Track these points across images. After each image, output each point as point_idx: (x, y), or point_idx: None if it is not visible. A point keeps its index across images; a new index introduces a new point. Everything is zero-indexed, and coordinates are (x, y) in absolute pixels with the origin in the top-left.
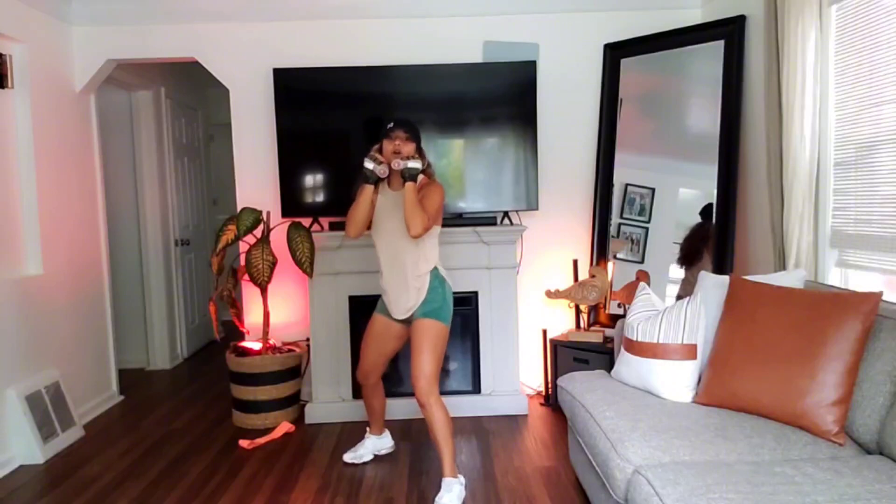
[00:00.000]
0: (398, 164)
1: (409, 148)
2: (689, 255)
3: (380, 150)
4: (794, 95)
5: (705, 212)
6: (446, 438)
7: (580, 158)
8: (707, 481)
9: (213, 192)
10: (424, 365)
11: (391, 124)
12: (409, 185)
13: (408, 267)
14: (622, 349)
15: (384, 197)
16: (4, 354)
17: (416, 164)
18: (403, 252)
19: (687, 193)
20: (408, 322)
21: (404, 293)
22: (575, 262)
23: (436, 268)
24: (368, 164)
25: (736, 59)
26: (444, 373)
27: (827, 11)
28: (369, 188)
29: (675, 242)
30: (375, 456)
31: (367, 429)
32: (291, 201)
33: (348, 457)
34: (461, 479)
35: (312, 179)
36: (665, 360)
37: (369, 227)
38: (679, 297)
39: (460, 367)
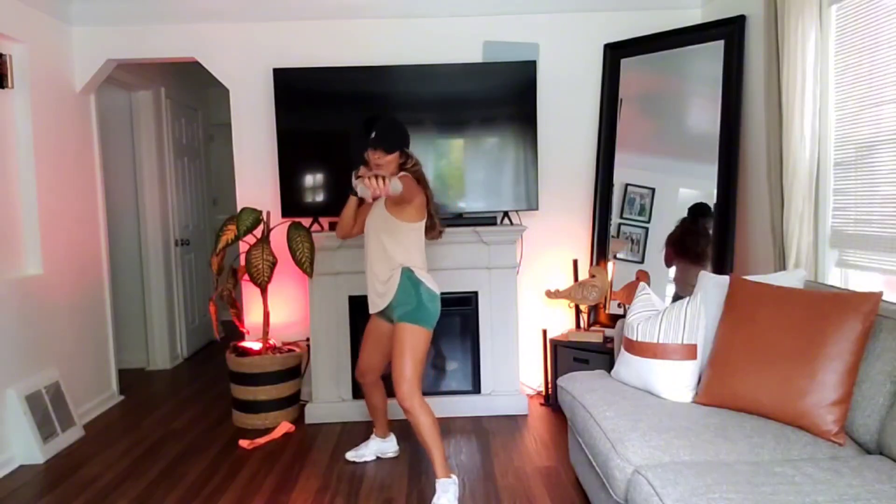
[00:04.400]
0: (379, 193)
1: (388, 160)
2: (693, 253)
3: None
4: (794, 95)
5: (697, 209)
6: (434, 440)
7: (580, 158)
8: (707, 481)
9: (213, 192)
10: (404, 369)
11: (372, 134)
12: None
13: (373, 261)
14: (622, 349)
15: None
16: (4, 354)
17: (396, 187)
18: (370, 245)
19: (687, 193)
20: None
21: (370, 285)
22: (575, 262)
23: (409, 269)
24: (354, 184)
25: (736, 59)
26: (443, 373)
27: (827, 11)
28: (353, 199)
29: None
30: (378, 458)
31: (374, 429)
32: (291, 201)
33: (351, 455)
34: (454, 478)
35: (312, 179)
36: (665, 360)
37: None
38: (677, 297)
39: (460, 367)
